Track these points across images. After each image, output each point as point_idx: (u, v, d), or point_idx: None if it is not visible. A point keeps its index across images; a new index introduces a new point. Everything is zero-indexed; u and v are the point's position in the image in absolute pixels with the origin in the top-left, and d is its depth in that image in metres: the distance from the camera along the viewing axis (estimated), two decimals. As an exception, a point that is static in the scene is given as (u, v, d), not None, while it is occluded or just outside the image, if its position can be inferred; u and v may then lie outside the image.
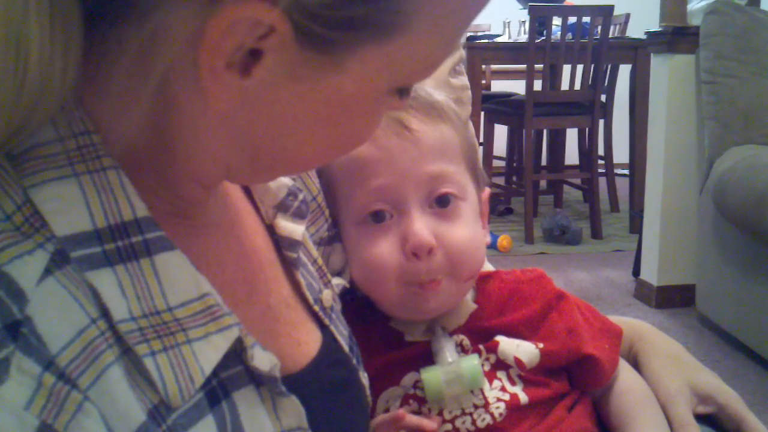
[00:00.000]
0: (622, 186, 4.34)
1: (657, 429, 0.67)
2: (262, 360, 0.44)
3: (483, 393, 0.63)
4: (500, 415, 0.62)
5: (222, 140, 0.42)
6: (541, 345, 0.65)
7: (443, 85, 0.96)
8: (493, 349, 0.65)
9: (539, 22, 3.59)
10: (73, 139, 0.39)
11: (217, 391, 0.42)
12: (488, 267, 0.84)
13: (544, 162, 4.79)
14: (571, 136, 4.65)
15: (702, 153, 2.53)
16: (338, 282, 0.63)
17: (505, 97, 4.27)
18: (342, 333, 0.58)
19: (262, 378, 0.44)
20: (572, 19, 3.57)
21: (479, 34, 4.11)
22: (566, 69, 3.63)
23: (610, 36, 3.84)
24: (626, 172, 4.23)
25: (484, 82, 4.55)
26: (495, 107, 4.08)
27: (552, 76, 3.67)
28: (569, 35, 3.58)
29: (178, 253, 0.41)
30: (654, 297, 2.78)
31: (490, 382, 0.64)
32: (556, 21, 3.63)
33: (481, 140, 4.25)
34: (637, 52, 3.74)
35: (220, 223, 0.51)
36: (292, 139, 0.42)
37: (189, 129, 0.41)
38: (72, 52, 0.36)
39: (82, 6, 0.36)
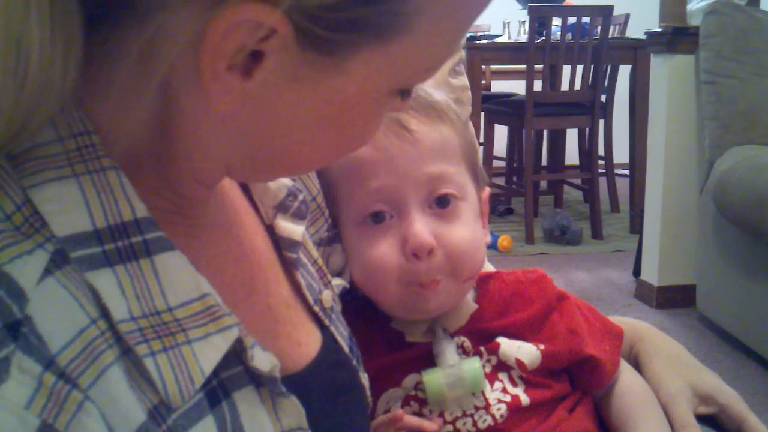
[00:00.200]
0: (623, 186, 4.34)
1: (658, 430, 0.67)
2: (262, 360, 0.44)
3: (484, 395, 0.63)
4: (501, 416, 0.62)
5: (223, 141, 0.42)
6: (542, 346, 0.65)
7: (443, 86, 0.96)
8: (494, 350, 0.65)
9: (539, 23, 3.59)
10: (73, 139, 0.39)
11: (217, 391, 0.42)
12: (489, 267, 0.84)
13: (544, 162, 4.79)
14: (572, 136, 4.65)
15: (702, 153, 2.53)
16: (338, 282, 0.63)
17: (505, 98, 4.27)
18: (342, 333, 0.58)
19: (262, 378, 0.44)
20: (572, 20, 3.58)
21: (479, 34, 4.11)
22: (566, 69, 3.64)
23: (610, 36, 3.85)
24: (626, 172, 4.23)
25: (484, 82, 4.55)
26: (495, 107, 4.08)
27: (552, 76, 3.67)
28: (569, 35, 3.59)
29: (178, 253, 0.41)
30: (654, 297, 2.78)
31: (492, 383, 0.64)
32: (556, 21, 3.64)
33: (482, 140, 4.25)
34: (637, 52, 3.74)
35: (220, 223, 0.51)
36: (293, 140, 0.42)
37: (190, 129, 0.41)
38: (72, 54, 0.36)
39: (82, 8, 0.36)
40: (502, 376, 0.65)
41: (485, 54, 3.69)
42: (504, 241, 3.52)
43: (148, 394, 0.38)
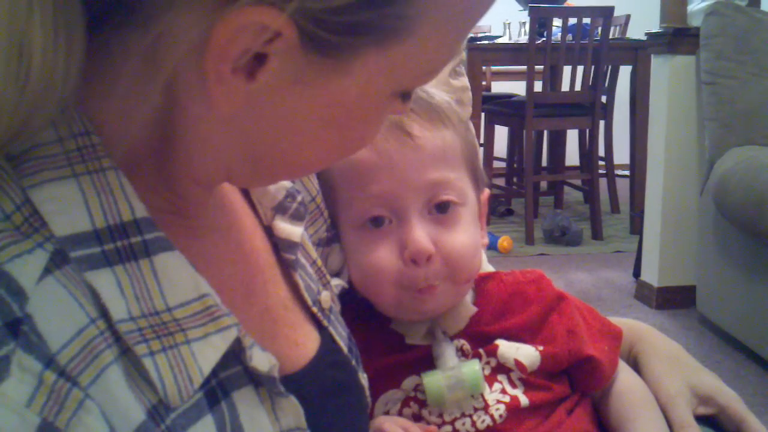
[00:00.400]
0: (623, 187, 4.34)
1: (657, 430, 0.67)
2: (261, 360, 0.44)
3: (483, 395, 0.63)
4: (500, 416, 0.62)
5: (225, 142, 0.42)
6: (541, 347, 0.65)
7: (443, 86, 0.96)
8: (493, 352, 0.65)
9: (539, 24, 3.59)
10: (73, 139, 0.39)
11: (216, 391, 0.42)
12: (488, 268, 0.84)
13: (544, 163, 4.79)
14: (572, 137, 4.65)
15: (702, 154, 2.53)
16: (337, 283, 0.63)
17: (505, 99, 4.27)
18: (341, 334, 0.58)
19: (260, 378, 0.44)
20: (572, 21, 3.58)
21: (480, 35, 4.11)
22: (566, 70, 3.64)
23: (611, 37, 3.85)
24: (627, 173, 4.23)
25: (484, 83, 4.55)
26: (495, 108, 4.08)
27: (552, 77, 3.67)
28: (569, 36, 3.58)
29: (177, 253, 0.41)
30: (654, 298, 2.78)
31: (491, 385, 0.64)
32: (557, 22, 3.63)
33: (482, 141, 4.25)
34: (638, 53, 3.74)
35: (219, 224, 0.51)
36: (294, 142, 0.42)
37: (192, 131, 0.41)
38: (75, 56, 0.36)
39: (85, 10, 0.37)
40: (501, 377, 0.65)
41: (486, 55, 3.69)
42: (504, 241, 3.52)
43: (147, 394, 0.38)
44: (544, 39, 3.57)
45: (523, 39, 4.14)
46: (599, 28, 3.62)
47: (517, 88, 4.55)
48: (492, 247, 3.45)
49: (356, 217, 0.64)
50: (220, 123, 0.40)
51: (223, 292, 0.43)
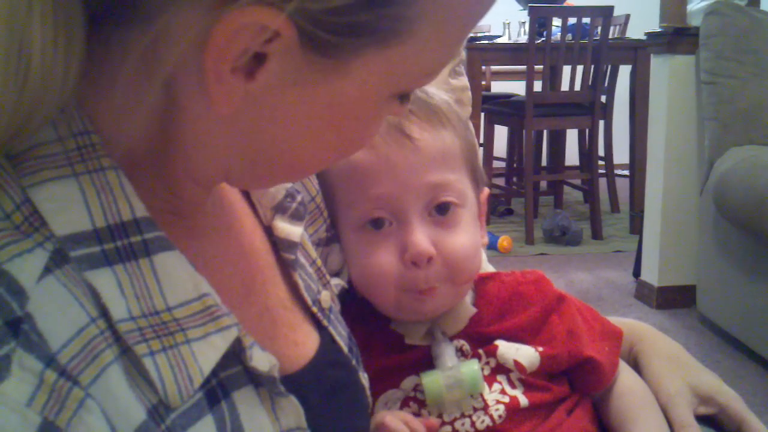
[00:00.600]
0: (623, 187, 4.34)
1: (657, 430, 0.67)
2: (261, 360, 0.44)
3: (482, 396, 0.63)
4: (499, 417, 0.62)
5: (224, 142, 0.42)
6: (540, 348, 0.65)
7: (443, 86, 0.96)
8: (492, 353, 0.65)
9: (539, 23, 3.59)
10: (73, 139, 0.39)
11: (216, 391, 0.42)
12: (488, 268, 0.84)
13: (544, 163, 4.79)
14: (572, 136, 4.65)
15: (702, 153, 2.53)
16: (337, 282, 0.63)
17: (505, 98, 4.27)
18: (341, 334, 0.58)
19: (260, 378, 0.44)
20: (572, 20, 3.58)
21: (479, 35, 4.11)
22: (566, 70, 3.64)
23: (610, 37, 3.84)
24: (626, 172, 4.23)
25: (484, 83, 4.55)
26: (495, 108, 4.08)
27: (552, 77, 3.67)
28: (569, 36, 3.58)
29: (177, 253, 0.41)
30: (654, 298, 2.78)
31: (490, 385, 0.64)
32: (556, 22, 3.63)
33: (482, 141, 4.25)
34: (637, 52, 3.74)
35: (219, 224, 0.51)
36: (293, 142, 0.42)
37: (191, 130, 0.41)
38: (74, 55, 0.36)
39: (85, 8, 0.37)
40: (500, 378, 0.65)
41: (485, 54, 3.69)
42: (504, 241, 3.52)
43: (148, 394, 0.38)
44: (544, 39, 3.57)
45: (523, 39, 4.14)
46: (599, 28, 3.62)
47: (516, 88, 4.55)
48: (492, 247, 3.45)
49: (356, 219, 0.64)
50: (218, 123, 0.40)
51: (222, 292, 0.43)
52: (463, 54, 1.28)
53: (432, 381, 0.62)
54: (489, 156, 4.14)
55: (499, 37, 4.25)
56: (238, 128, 0.41)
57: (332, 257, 0.67)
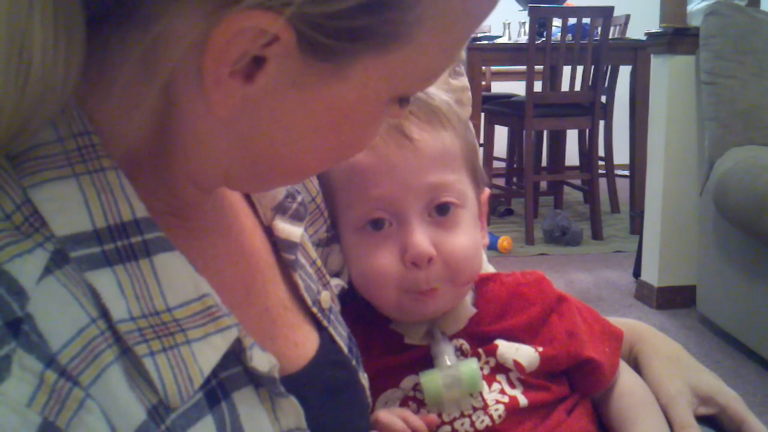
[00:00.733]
0: (623, 187, 4.34)
1: (658, 431, 0.67)
2: (261, 361, 0.44)
3: (482, 395, 0.63)
4: (499, 417, 0.62)
5: (222, 145, 0.42)
6: (540, 348, 0.65)
7: (443, 86, 0.96)
8: (492, 352, 0.65)
9: (539, 24, 3.59)
10: (73, 139, 0.39)
11: (216, 391, 0.42)
12: (489, 268, 0.84)
13: (544, 163, 4.79)
14: (572, 137, 4.65)
15: (702, 154, 2.53)
16: (337, 282, 0.63)
17: (505, 99, 4.27)
18: (341, 334, 0.58)
19: (261, 379, 0.44)
20: (572, 20, 3.58)
21: (479, 35, 4.11)
22: (566, 70, 3.64)
23: (610, 37, 3.84)
24: (626, 173, 4.23)
25: (484, 83, 4.55)
26: (495, 108, 4.08)
27: (552, 77, 3.67)
28: (569, 36, 3.58)
29: (177, 253, 0.41)
30: (655, 298, 2.78)
31: (489, 385, 0.64)
32: (556, 22, 3.63)
33: (482, 141, 4.25)
34: (637, 53, 3.74)
35: (219, 225, 0.51)
36: (291, 146, 0.42)
37: (190, 132, 0.41)
38: (75, 56, 0.36)
39: (85, 9, 0.37)
40: (500, 377, 0.65)
41: (485, 55, 3.69)
42: (504, 241, 3.52)
43: (148, 394, 0.38)
44: (544, 39, 3.56)
45: (523, 39, 4.14)
46: (599, 28, 3.62)
47: (516, 88, 4.55)
48: (492, 247, 3.45)
49: (356, 220, 0.64)
50: (217, 125, 0.40)
51: (222, 293, 0.43)
52: (463, 54, 1.28)
53: (430, 380, 0.62)
54: (489, 156, 4.14)
55: (499, 37, 4.25)
56: (237, 131, 0.41)
57: (332, 257, 0.67)
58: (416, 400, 0.64)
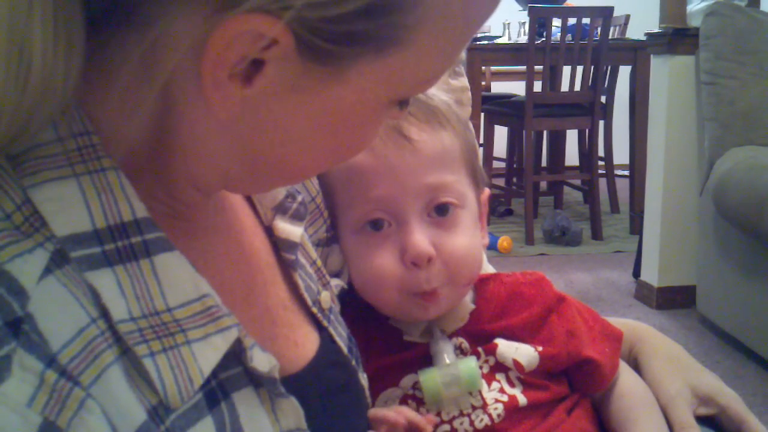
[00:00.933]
0: (623, 187, 4.34)
1: (657, 431, 0.67)
2: (261, 361, 0.44)
3: (481, 394, 0.63)
4: (498, 416, 0.62)
5: (221, 148, 0.42)
6: (540, 348, 0.65)
7: (443, 87, 0.96)
8: (491, 351, 0.65)
9: (539, 24, 3.59)
10: (73, 139, 0.39)
11: (216, 392, 0.42)
12: (489, 269, 0.84)
13: (544, 163, 4.79)
14: (572, 137, 4.65)
15: (702, 154, 2.53)
16: (337, 283, 0.63)
17: (505, 99, 4.27)
18: (341, 334, 0.58)
19: (261, 379, 0.44)
20: (572, 21, 3.57)
21: (479, 35, 4.10)
22: (566, 70, 3.63)
23: (610, 37, 3.84)
24: (626, 173, 4.23)
25: (484, 83, 4.55)
26: (495, 108, 4.08)
27: (552, 77, 3.67)
28: (569, 36, 3.58)
29: (178, 254, 0.41)
30: (654, 298, 2.78)
31: (489, 383, 0.64)
32: (556, 22, 3.63)
33: (482, 142, 4.25)
34: (637, 53, 3.74)
35: (219, 225, 0.51)
36: (290, 148, 0.42)
37: (189, 135, 0.41)
38: (75, 57, 0.36)
39: (85, 11, 0.37)
40: (499, 376, 0.65)
41: (485, 55, 3.69)
42: (504, 242, 3.52)
43: (148, 394, 0.38)
44: (544, 39, 3.56)
45: (523, 39, 4.14)
46: (599, 28, 3.62)
47: (516, 88, 4.55)
48: (492, 247, 3.45)
49: (355, 221, 0.64)
50: (216, 128, 0.40)
51: (223, 293, 0.43)
52: (463, 54, 1.28)
53: (429, 378, 0.62)
54: (489, 156, 4.14)
55: (499, 37, 4.25)
56: (235, 133, 0.41)
57: (332, 258, 0.67)
58: (416, 399, 0.64)
